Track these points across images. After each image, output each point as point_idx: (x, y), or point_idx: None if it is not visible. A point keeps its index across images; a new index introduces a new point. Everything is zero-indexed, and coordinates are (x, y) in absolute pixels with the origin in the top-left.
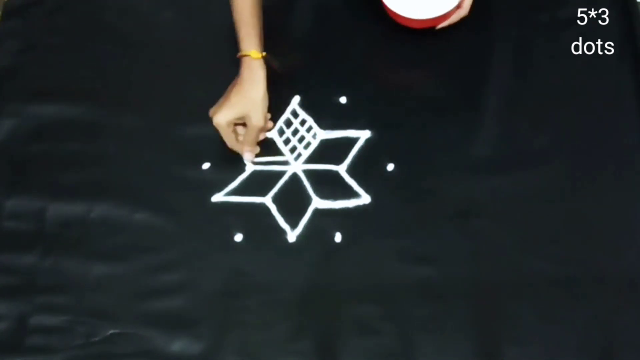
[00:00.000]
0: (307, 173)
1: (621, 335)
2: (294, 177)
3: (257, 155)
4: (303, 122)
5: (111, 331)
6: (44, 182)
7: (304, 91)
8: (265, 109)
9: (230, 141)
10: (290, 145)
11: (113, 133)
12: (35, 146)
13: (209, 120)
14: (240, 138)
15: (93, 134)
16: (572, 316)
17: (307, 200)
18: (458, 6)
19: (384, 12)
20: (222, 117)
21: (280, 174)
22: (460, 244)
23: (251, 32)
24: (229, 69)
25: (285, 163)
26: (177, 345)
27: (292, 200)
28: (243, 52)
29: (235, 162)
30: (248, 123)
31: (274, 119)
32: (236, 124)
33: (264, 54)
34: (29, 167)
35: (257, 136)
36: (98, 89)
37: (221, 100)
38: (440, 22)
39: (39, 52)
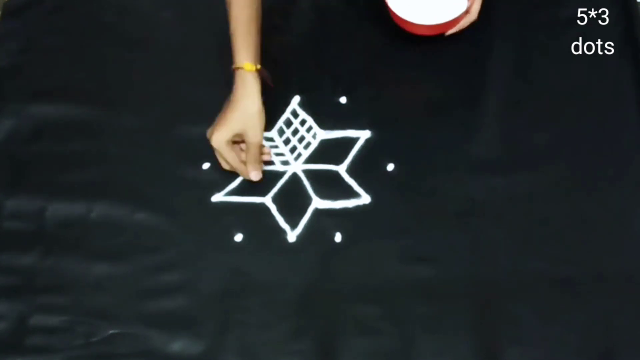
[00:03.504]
0: (307, 173)
1: (621, 335)
2: (294, 177)
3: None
4: (303, 122)
5: (111, 331)
6: (44, 182)
7: (304, 91)
8: (263, 124)
9: (233, 161)
10: (290, 145)
11: (113, 133)
12: (35, 146)
13: (208, 139)
14: (243, 158)
15: (93, 134)
16: (572, 316)
17: (307, 200)
18: (466, 11)
19: (386, 13)
20: (220, 137)
21: (280, 174)
22: (460, 244)
23: (246, 43)
24: (228, 69)
25: (286, 163)
26: (177, 345)
27: (292, 200)
28: (236, 65)
29: None
30: (246, 140)
31: (274, 119)
32: (235, 142)
33: (259, 66)
34: (29, 167)
35: (259, 153)
36: (98, 89)
37: (217, 119)
38: (449, 28)
39: (39, 52)
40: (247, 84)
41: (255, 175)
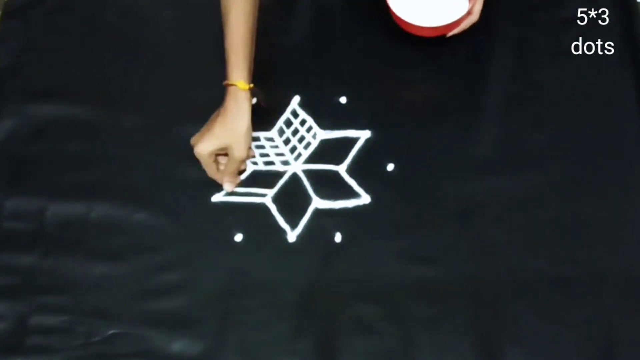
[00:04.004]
0: (307, 173)
1: (621, 335)
2: (294, 177)
3: (237, 185)
4: (303, 122)
5: (111, 331)
6: (44, 182)
7: (304, 91)
8: (249, 141)
9: (210, 171)
10: (290, 145)
11: (113, 133)
12: (35, 146)
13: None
14: (222, 167)
15: (93, 134)
16: (572, 316)
17: (307, 200)
18: (468, 12)
19: (386, 13)
20: (204, 147)
21: (280, 174)
22: (460, 244)
23: (241, 61)
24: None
25: (286, 163)
26: (177, 345)
27: (292, 200)
28: (230, 81)
29: None
30: (230, 154)
31: (274, 119)
32: (217, 154)
33: (252, 85)
34: (29, 167)
35: (239, 167)
36: (98, 89)
37: (204, 129)
38: (450, 30)
39: (39, 52)
40: (239, 101)
41: (228, 187)
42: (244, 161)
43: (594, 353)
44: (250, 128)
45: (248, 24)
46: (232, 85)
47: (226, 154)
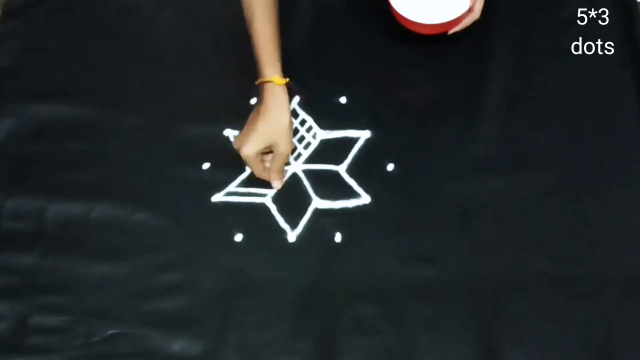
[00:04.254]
0: (307, 173)
1: (621, 335)
2: (294, 177)
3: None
4: (303, 122)
5: (111, 331)
6: (44, 182)
7: (304, 91)
8: (292, 135)
9: (257, 171)
10: None
11: (113, 133)
12: (35, 146)
13: (235, 147)
14: (267, 165)
15: (93, 134)
16: (572, 316)
17: (307, 200)
18: (469, 10)
19: (386, 13)
20: (251, 148)
21: None
22: (460, 244)
23: (272, 57)
24: (228, 69)
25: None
26: (177, 345)
27: (292, 200)
28: (265, 78)
29: (235, 162)
30: (275, 151)
31: None
32: (264, 153)
33: (287, 79)
34: (29, 167)
35: (285, 163)
36: (98, 89)
37: (245, 130)
38: (452, 27)
39: (39, 52)
40: (278, 97)
41: (278, 184)
42: (289, 156)
43: (594, 353)
44: (292, 122)
45: (273, 21)
46: (268, 82)
47: (270, 152)
